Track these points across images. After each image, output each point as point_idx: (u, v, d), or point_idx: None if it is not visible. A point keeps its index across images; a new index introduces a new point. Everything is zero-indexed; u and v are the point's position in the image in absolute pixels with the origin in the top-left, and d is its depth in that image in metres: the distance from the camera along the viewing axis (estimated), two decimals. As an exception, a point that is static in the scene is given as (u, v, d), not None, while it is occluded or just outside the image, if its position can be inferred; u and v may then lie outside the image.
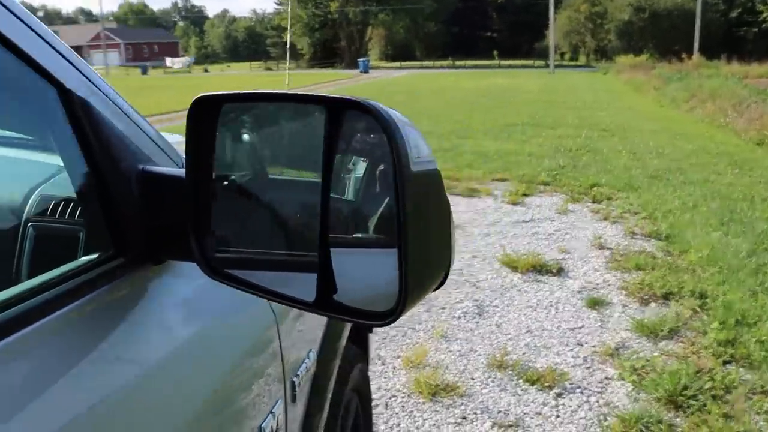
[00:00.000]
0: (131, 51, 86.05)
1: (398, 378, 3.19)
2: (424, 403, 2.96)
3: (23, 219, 0.94)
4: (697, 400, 2.91)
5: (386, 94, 22.82)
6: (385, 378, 3.19)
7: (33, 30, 0.72)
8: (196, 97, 0.75)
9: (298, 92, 0.75)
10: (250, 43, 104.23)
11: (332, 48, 70.94)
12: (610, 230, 5.78)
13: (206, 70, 65.76)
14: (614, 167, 8.63)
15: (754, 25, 51.71)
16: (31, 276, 0.85)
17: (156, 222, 0.80)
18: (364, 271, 0.77)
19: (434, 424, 2.80)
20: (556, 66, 44.92)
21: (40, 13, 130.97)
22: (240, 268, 0.77)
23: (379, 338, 3.57)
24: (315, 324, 1.35)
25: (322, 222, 0.71)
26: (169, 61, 75.02)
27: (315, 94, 0.73)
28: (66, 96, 0.74)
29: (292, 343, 1.15)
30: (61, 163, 0.97)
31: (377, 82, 32.13)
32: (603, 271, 4.69)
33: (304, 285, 0.71)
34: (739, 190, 7.16)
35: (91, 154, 0.76)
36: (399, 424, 2.80)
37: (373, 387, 3.07)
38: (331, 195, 0.72)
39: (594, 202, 6.84)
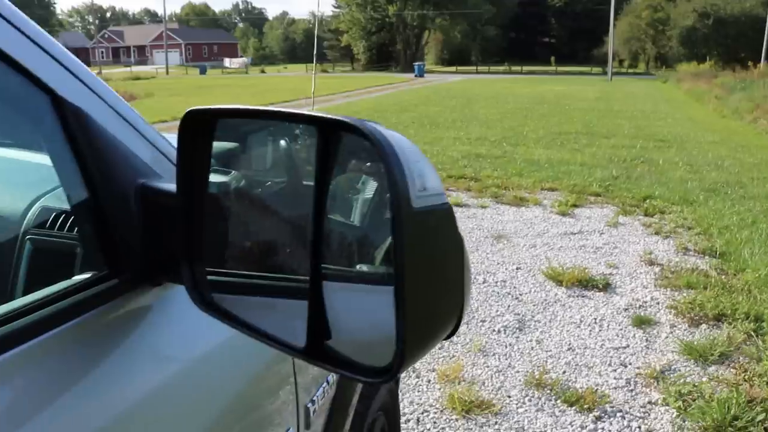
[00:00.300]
0: (191, 51, 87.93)
1: (432, 392, 3.13)
2: (456, 420, 2.89)
3: (21, 231, 0.91)
4: (746, 432, 2.76)
5: (439, 99, 22.71)
6: (418, 392, 3.13)
7: (22, 32, 0.68)
8: (187, 110, 0.70)
9: (294, 110, 0.69)
10: (308, 45, 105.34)
11: (388, 51, 71.12)
12: (662, 245, 5.59)
13: (263, 71, 66.74)
14: (669, 179, 8.37)
15: (826, 33, 49.66)
16: (26, 292, 0.83)
17: (155, 241, 0.77)
18: (365, 311, 0.69)
19: (467, 442, 2.73)
20: (614, 73, 43.98)
21: (108, 14, 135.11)
22: (231, 293, 0.73)
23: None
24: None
25: (314, 252, 0.64)
26: (227, 61, 76.49)
27: (309, 113, 0.67)
28: (59, 103, 0.71)
29: (307, 366, 1.11)
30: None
31: (432, 87, 32.02)
32: (652, 289, 4.53)
33: (299, 319, 0.67)
34: (803, 208, 6.84)
35: (85, 166, 0.72)
36: (431, 440, 2.75)
37: (405, 401, 3.03)
38: (333, 217, 0.66)
39: (646, 215, 6.63)
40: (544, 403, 3.04)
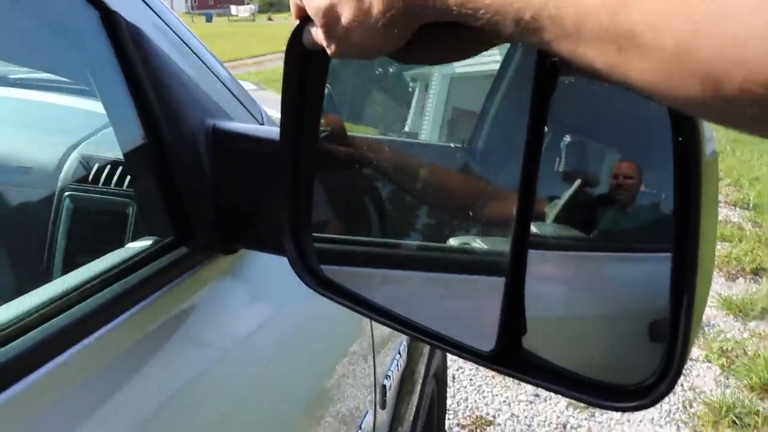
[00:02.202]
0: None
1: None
2: (493, 377, 2.80)
3: (58, 187, 0.75)
4: (796, 392, 2.66)
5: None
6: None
7: None
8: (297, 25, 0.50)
9: None
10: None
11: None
12: (692, 197, 5.42)
13: (270, 19, 65.54)
14: (694, 129, 8.13)
15: None
16: (66, 266, 0.68)
17: (230, 199, 0.62)
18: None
19: (504, 401, 2.65)
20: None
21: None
22: (339, 264, 0.58)
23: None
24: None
25: (520, 216, 0.45)
26: (234, 9, 75.11)
27: None
28: (111, 21, 0.56)
29: (383, 338, 0.98)
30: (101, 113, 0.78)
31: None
32: (685, 242, 4.39)
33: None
34: (835, 157, 6.64)
35: (143, 102, 0.57)
36: (467, 399, 2.66)
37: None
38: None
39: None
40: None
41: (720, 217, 4.84)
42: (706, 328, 3.22)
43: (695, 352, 3.02)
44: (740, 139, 7.56)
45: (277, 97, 1.18)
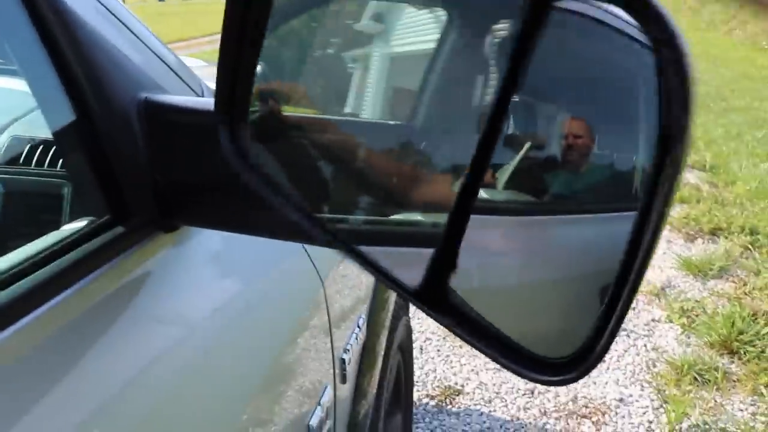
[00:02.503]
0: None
1: (431, 320, 3.04)
2: (461, 346, 2.81)
3: None
4: (753, 346, 2.72)
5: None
6: (418, 319, 3.03)
7: None
8: None
9: None
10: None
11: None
12: (651, 161, 5.50)
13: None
14: (652, 94, 8.24)
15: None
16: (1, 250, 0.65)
17: (167, 174, 0.60)
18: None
19: (472, 370, 2.67)
20: None
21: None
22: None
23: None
24: (365, 282, 1.16)
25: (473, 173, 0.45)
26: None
27: None
28: None
29: (341, 312, 0.96)
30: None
31: None
32: (645, 205, 4.45)
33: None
34: (786, 118, 6.80)
35: (69, 77, 0.54)
36: (435, 370, 2.67)
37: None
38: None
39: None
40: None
41: (678, 180, 4.92)
42: (666, 290, 3.29)
43: (657, 312, 3.08)
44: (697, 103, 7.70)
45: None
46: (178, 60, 0.71)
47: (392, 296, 1.39)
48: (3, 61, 0.78)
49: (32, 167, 0.70)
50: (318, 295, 0.86)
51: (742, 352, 2.70)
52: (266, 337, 0.73)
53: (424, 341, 2.87)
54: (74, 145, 0.57)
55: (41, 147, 0.70)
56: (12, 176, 0.70)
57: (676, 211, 4.27)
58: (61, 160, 0.68)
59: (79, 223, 0.58)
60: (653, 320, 3.02)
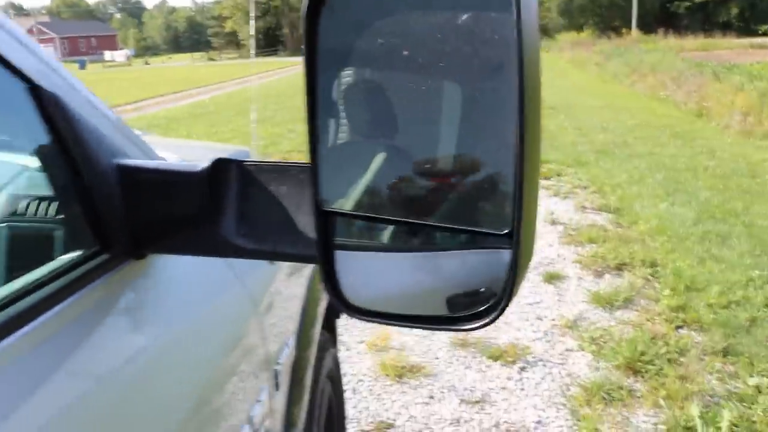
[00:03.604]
0: (67, 45, 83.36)
1: (364, 362, 3.22)
2: (391, 385, 3.00)
3: None
4: (654, 365, 3.02)
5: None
6: (350, 363, 3.21)
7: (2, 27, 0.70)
8: None
9: None
10: (192, 33, 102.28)
11: (275, 35, 70.08)
12: (562, 205, 5.90)
13: (147, 63, 64.27)
14: (562, 144, 8.79)
15: (687, -1, 53.03)
16: (8, 278, 0.83)
17: (136, 216, 0.80)
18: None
19: (403, 405, 2.84)
20: (500, 46, 45.16)
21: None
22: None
23: (341, 324, 3.58)
24: (292, 312, 1.36)
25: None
26: (108, 54, 73.11)
27: None
28: (37, 92, 0.73)
29: (272, 331, 1.16)
30: (27, 162, 0.95)
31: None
32: (557, 246, 4.80)
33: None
34: (682, 161, 7.39)
35: (67, 150, 0.74)
36: (368, 408, 2.84)
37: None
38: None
39: (544, 178, 6.96)
40: (471, 361, 3.20)
41: (587, 222, 5.32)
42: (578, 322, 3.58)
43: (570, 343, 3.35)
44: (603, 150, 8.27)
45: (162, 140, 1.33)
46: (129, 129, 0.92)
47: (317, 327, 1.58)
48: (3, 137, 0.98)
49: (29, 216, 0.89)
50: (255, 312, 1.07)
51: (644, 371, 2.99)
52: (209, 346, 0.93)
53: (357, 382, 3.04)
54: (70, 195, 0.78)
55: (36, 201, 0.90)
56: (15, 223, 0.89)
57: (585, 251, 4.63)
58: (54, 209, 0.88)
59: (70, 255, 0.77)
60: (567, 350, 3.29)
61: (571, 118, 11.27)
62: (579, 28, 49.34)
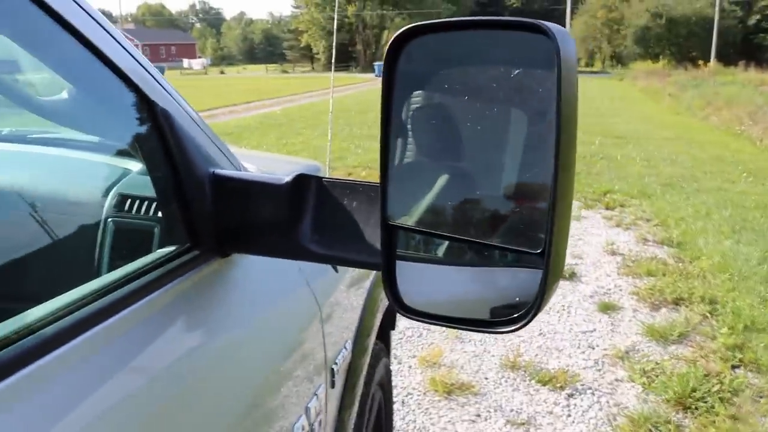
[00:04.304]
0: (148, 52, 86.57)
1: (414, 376, 3.31)
2: (439, 400, 3.07)
3: (103, 215, 1.05)
4: (705, 402, 3.00)
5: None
6: (401, 376, 3.30)
7: (123, 47, 0.83)
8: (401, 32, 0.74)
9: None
10: (267, 45, 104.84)
11: (348, 51, 71.16)
12: (623, 237, 5.86)
13: (222, 72, 66.25)
14: (628, 174, 8.70)
15: (772, 32, 51.39)
16: (112, 266, 0.96)
17: (224, 219, 0.92)
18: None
19: (449, 421, 2.91)
20: (572, 72, 44.73)
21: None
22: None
23: (396, 338, 3.68)
24: (350, 320, 1.47)
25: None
26: (185, 62, 75.64)
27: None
28: (150, 106, 0.86)
29: (332, 333, 1.27)
30: (132, 165, 1.09)
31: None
32: (615, 277, 4.78)
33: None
34: (752, 199, 7.21)
35: (171, 158, 0.87)
36: (415, 420, 2.92)
37: (390, 384, 3.20)
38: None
39: (607, 208, 6.92)
40: (519, 383, 3.24)
41: (647, 254, 5.27)
42: (630, 353, 3.57)
43: (620, 373, 3.36)
44: (670, 183, 8.15)
45: (238, 150, 1.47)
46: (222, 142, 1.05)
47: (372, 336, 1.69)
48: (121, 145, 1.12)
49: (134, 213, 1.03)
50: (316, 311, 1.19)
51: (694, 408, 2.98)
52: (277, 340, 1.05)
53: (406, 395, 3.13)
54: (170, 197, 0.91)
55: (138, 200, 1.04)
56: (119, 219, 1.03)
57: (643, 283, 4.60)
58: (153, 208, 1.01)
59: (166, 250, 0.90)
60: (616, 380, 3.30)
61: (640, 148, 11.12)
62: (654, 58, 48.41)
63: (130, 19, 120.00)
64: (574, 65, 0.68)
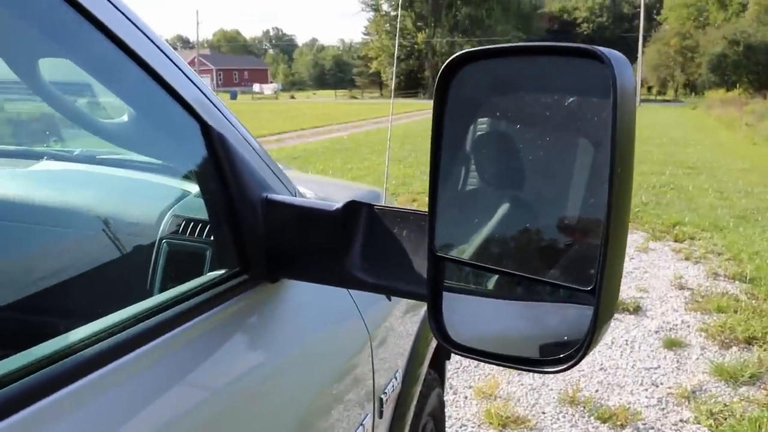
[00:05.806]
0: (222, 76, 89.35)
1: (469, 407, 3.26)
2: (489, 425, 3.02)
3: (158, 236, 1.07)
4: (776, 449, 2.85)
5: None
6: (456, 407, 3.26)
7: (183, 72, 0.85)
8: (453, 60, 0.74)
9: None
10: (337, 71, 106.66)
11: (416, 78, 71.64)
12: (692, 270, 5.66)
13: (293, 97, 67.69)
14: (699, 206, 8.42)
15: None
16: (164, 287, 0.99)
17: (274, 245, 0.93)
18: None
19: (504, 454, 2.85)
20: (643, 100, 43.96)
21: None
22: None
23: (452, 367, 3.64)
24: (402, 348, 1.47)
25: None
26: (257, 87, 77.66)
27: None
28: (206, 130, 0.88)
29: (382, 362, 1.27)
30: (189, 188, 1.13)
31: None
32: (682, 312, 4.61)
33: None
34: (834, 235, 6.86)
35: (224, 181, 0.89)
36: (469, 451, 2.87)
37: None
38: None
39: (676, 241, 6.70)
40: (578, 420, 3.15)
41: (718, 290, 5.07)
42: (697, 393, 3.43)
43: (686, 414, 3.22)
44: (744, 215, 7.84)
45: (299, 174, 1.50)
46: (278, 166, 1.07)
47: (425, 365, 1.67)
48: (175, 167, 1.16)
49: (187, 236, 1.06)
50: (366, 339, 1.19)
51: (765, 454, 2.83)
52: (325, 367, 1.05)
53: (460, 426, 3.08)
54: (222, 221, 0.93)
55: (192, 223, 1.06)
56: (173, 240, 1.06)
57: (712, 320, 4.42)
58: (205, 232, 1.04)
59: (217, 273, 0.92)
60: (681, 420, 3.17)
61: (713, 179, 10.75)
62: (731, 86, 46.90)
63: (206, 45, 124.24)
64: (632, 93, 0.67)
